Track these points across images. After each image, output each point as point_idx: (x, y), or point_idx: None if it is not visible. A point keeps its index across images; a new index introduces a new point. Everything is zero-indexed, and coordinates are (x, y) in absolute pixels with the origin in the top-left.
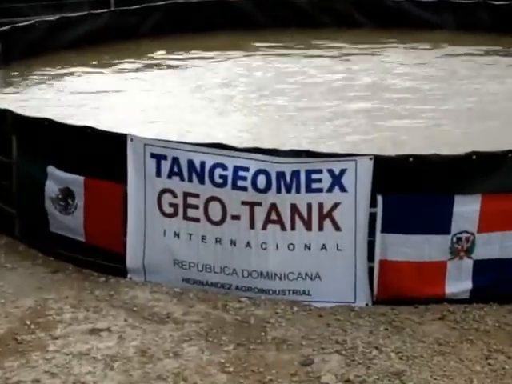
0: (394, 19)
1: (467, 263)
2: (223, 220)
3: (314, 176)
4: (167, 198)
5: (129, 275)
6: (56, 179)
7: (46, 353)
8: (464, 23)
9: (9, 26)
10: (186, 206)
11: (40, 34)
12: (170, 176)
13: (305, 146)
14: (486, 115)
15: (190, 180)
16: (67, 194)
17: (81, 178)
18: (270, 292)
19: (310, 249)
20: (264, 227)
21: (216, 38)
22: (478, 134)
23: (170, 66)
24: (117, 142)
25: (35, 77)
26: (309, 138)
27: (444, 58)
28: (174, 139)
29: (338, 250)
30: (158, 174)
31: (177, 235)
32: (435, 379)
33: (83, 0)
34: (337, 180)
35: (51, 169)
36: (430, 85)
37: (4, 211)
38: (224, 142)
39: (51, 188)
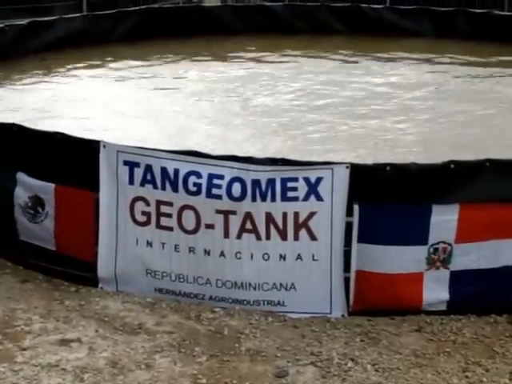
0: (371, 26)
1: (444, 274)
2: (197, 229)
3: (290, 184)
4: (140, 206)
5: (100, 285)
6: (25, 186)
7: (14, 364)
8: (442, 30)
9: None
10: (159, 214)
11: (11, 39)
12: (142, 184)
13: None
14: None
15: (164, 188)
16: (37, 201)
17: (51, 186)
18: (245, 302)
19: (285, 259)
20: (238, 236)
21: (189, 43)
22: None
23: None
24: (89, 149)
25: (5, 80)
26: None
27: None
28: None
29: (313, 260)
30: (131, 181)
31: (149, 244)
32: None
33: (55, 5)
34: (313, 189)
35: (20, 175)
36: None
37: None
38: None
39: (20, 195)
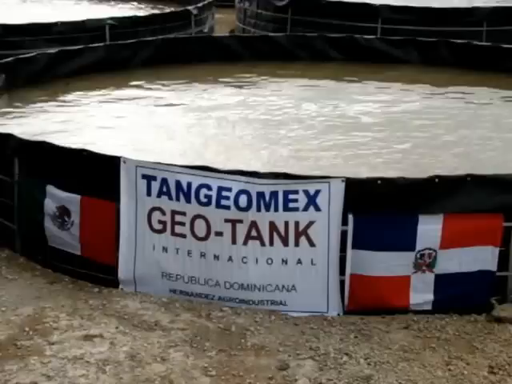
0: (365, 54)
1: (429, 277)
2: (207, 236)
3: (291, 196)
4: (156, 215)
5: (120, 286)
6: (54, 198)
7: (43, 357)
8: (427, 59)
9: (12, 58)
10: (174, 223)
11: (41, 65)
12: (159, 195)
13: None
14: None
15: (178, 199)
16: (64, 211)
17: (77, 197)
18: (250, 302)
19: (286, 263)
20: (245, 243)
21: (201, 68)
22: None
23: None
24: (111, 164)
25: (36, 103)
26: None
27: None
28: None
29: (312, 264)
30: (149, 193)
31: (165, 250)
32: (400, 383)
33: (80, 35)
34: (312, 200)
35: (50, 188)
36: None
37: (6, 227)
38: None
39: (49, 206)
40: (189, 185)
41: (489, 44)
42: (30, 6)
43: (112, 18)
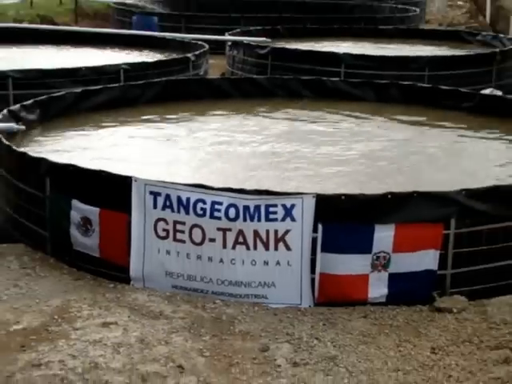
0: (331, 93)
1: (384, 275)
2: (203, 242)
3: (271, 209)
4: (161, 224)
5: (131, 282)
6: (78, 210)
7: (69, 340)
8: (380, 97)
9: (46, 96)
10: (175, 230)
11: (68, 102)
12: (163, 208)
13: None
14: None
15: (179, 211)
16: (86, 221)
17: (97, 209)
18: (238, 296)
19: (267, 264)
20: (233, 247)
21: (198, 104)
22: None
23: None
24: (124, 182)
25: (65, 132)
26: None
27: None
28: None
29: (288, 265)
30: (155, 206)
31: (168, 253)
32: (359, 362)
33: (100, 77)
34: (288, 212)
35: (75, 202)
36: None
37: (39, 233)
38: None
39: (74, 216)
40: (187, 199)
41: (429, 85)
42: (63, 55)
43: (126, 64)
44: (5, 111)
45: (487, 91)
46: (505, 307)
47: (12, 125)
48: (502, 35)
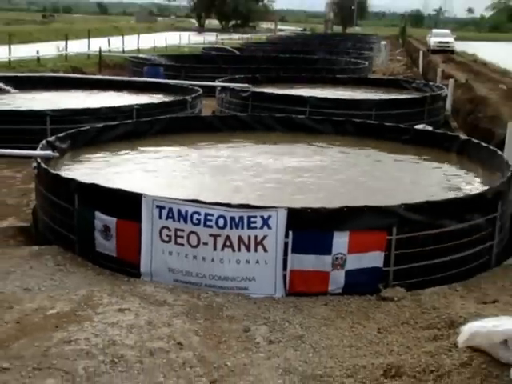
0: (298, 128)
1: (341, 272)
2: (198, 245)
3: (252, 219)
4: (165, 231)
5: (141, 277)
6: (100, 219)
7: (92, 322)
8: (337, 131)
9: (75, 129)
10: (176, 236)
11: (92, 134)
12: (166, 218)
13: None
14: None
15: (179, 221)
16: (106, 228)
17: (114, 219)
18: (225, 288)
19: (249, 262)
20: (222, 249)
21: (193, 137)
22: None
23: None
24: (136, 198)
25: (90, 158)
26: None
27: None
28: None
29: (265, 263)
30: (160, 217)
31: (170, 253)
32: (321, 340)
33: (117, 115)
34: (265, 222)
35: (97, 213)
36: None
37: (69, 238)
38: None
39: (97, 224)
40: (186, 212)
41: (376, 122)
42: (89, 97)
43: (138, 104)
44: (44, 141)
45: (420, 126)
46: (434, 296)
47: (49, 152)
48: (431, 83)
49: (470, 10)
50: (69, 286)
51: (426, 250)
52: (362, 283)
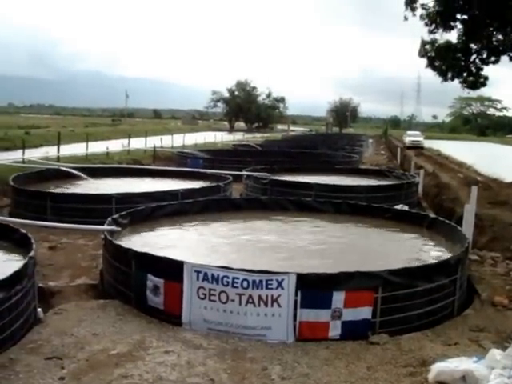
0: (306, 208)
1: (338, 322)
2: (227, 301)
3: (269, 282)
4: (201, 290)
5: (183, 325)
6: (151, 280)
7: (144, 361)
8: (337, 211)
9: (133, 209)
10: (210, 294)
11: (147, 212)
12: (203, 280)
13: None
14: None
15: (212, 282)
16: (156, 287)
17: (162, 281)
18: (248, 335)
19: (266, 315)
20: (246, 305)
21: (226, 214)
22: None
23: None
24: (178, 265)
25: (145, 231)
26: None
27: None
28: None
29: (279, 316)
30: (197, 279)
31: (205, 308)
32: (323, 376)
33: (166, 197)
34: (280, 284)
35: (149, 276)
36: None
37: (128, 294)
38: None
39: (149, 284)
40: (217, 275)
41: (365, 204)
42: (147, 183)
43: (182, 189)
44: (109, 218)
45: (399, 206)
46: (411, 340)
47: (113, 227)
48: (407, 172)
49: (434, 117)
50: (126, 332)
51: (404, 305)
52: (355, 331)
